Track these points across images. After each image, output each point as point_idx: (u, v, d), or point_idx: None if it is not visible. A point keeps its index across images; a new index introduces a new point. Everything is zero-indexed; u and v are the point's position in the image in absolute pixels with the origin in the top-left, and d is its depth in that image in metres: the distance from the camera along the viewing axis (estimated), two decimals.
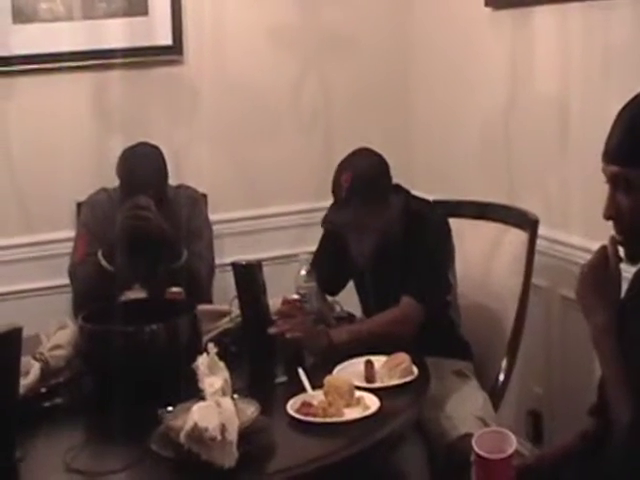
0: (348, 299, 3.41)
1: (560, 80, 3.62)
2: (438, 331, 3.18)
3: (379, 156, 3.18)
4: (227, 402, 2.29)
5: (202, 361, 2.41)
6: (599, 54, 3.40)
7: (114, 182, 3.63)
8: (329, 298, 3.31)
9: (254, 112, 4.36)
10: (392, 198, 3.18)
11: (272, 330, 2.92)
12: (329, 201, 3.36)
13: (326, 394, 2.57)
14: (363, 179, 3.09)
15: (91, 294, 3.42)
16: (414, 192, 3.33)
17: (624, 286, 2.27)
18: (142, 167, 3.53)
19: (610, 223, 2.23)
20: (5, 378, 2.35)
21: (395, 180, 3.24)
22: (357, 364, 2.80)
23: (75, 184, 3.98)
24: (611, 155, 2.19)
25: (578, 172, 3.51)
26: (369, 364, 2.77)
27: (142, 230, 3.38)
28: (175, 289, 3.15)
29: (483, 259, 3.55)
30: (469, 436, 2.40)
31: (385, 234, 3.16)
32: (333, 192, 3.14)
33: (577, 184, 3.54)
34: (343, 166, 3.14)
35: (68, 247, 3.70)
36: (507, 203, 3.64)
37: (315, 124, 4.44)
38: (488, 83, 4.06)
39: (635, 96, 2.21)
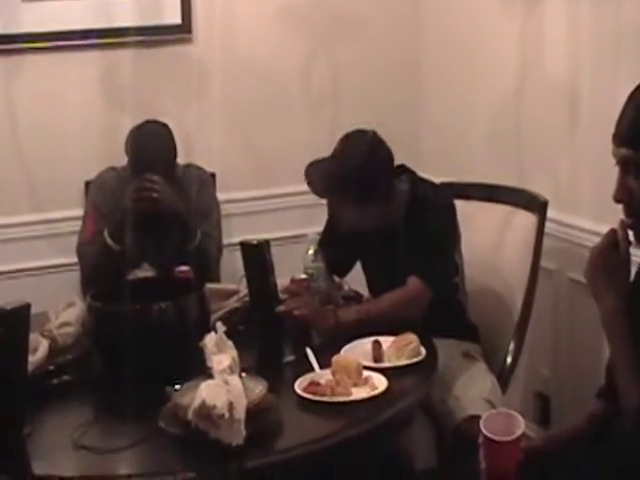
0: (355, 279, 3.41)
1: (570, 63, 3.61)
2: (446, 314, 3.18)
3: (370, 151, 3.12)
4: (235, 380, 2.30)
5: (210, 339, 2.41)
6: (609, 38, 3.39)
7: (123, 161, 3.63)
8: (336, 278, 3.31)
9: (263, 92, 4.35)
10: (386, 191, 3.16)
11: (280, 308, 2.93)
12: None
13: (334, 373, 2.58)
14: (340, 173, 3.08)
15: (99, 273, 3.43)
16: (423, 174, 3.33)
17: (633, 269, 2.27)
18: (151, 144, 3.53)
19: (620, 206, 2.22)
20: (13, 355, 2.37)
21: (404, 162, 3.23)
22: (365, 344, 2.80)
23: (84, 163, 3.98)
24: (621, 138, 2.18)
25: (588, 155, 3.50)
26: (377, 344, 2.77)
27: (150, 207, 3.39)
28: (183, 268, 3.15)
29: (492, 242, 3.54)
30: (476, 418, 2.40)
31: (393, 208, 3.15)
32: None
33: (587, 167, 3.53)
34: (332, 153, 3.16)
35: (77, 225, 3.71)
36: (516, 185, 3.63)
37: (324, 105, 4.43)
38: (498, 66, 4.05)
39: None
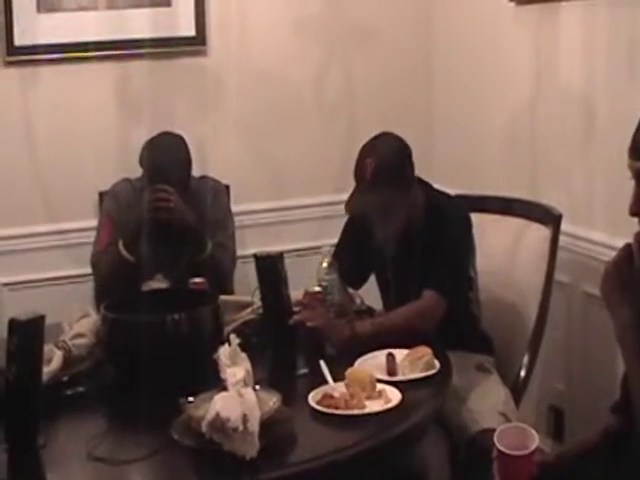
0: (369, 293, 3.40)
1: (585, 75, 3.60)
2: (460, 327, 3.18)
3: (402, 141, 3.18)
4: (249, 392, 2.29)
5: (224, 351, 2.41)
6: (625, 50, 3.38)
7: (137, 172, 3.64)
8: (350, 290, 3.31)
9: (277, 103, 4.35)
10: (415, 187, 3.18)
11: (292, 320, 2.93)
12: None
13: (348, 386, 2.58)
14: (387, 163, 3.09)
15: (113, 284, 3.42)
16: (436, 186, 3.33)
17: None
18: (166, 156, 3.53)
19: (635, 220, 2.21)
20: (28, 366, 2.37)
21: (417, 174, 3.23)
22: (379, 357, 2.80)
23: (98, 174, 3.99)
24: (637, 151, 2.18)
25: (602, 168, 3.50)
26: (391, 357, 2.77)
27: (165, 218, 3.39)
28: (197, 279, 3.15)
29: (506, 254, 3.54)
30: (490, 431, 2.40)
31: (409, 220, 3.15)
32: (356, 176, 3.13)
33: (601, 180, 3.53)
34: (366, 150, 3.14)
35: (91, 236, 3.71)
36: (530, 198, 3.63)
37: (338, 116, 4.44)
38: (512, 78, 4.05)
39: None
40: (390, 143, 3.17)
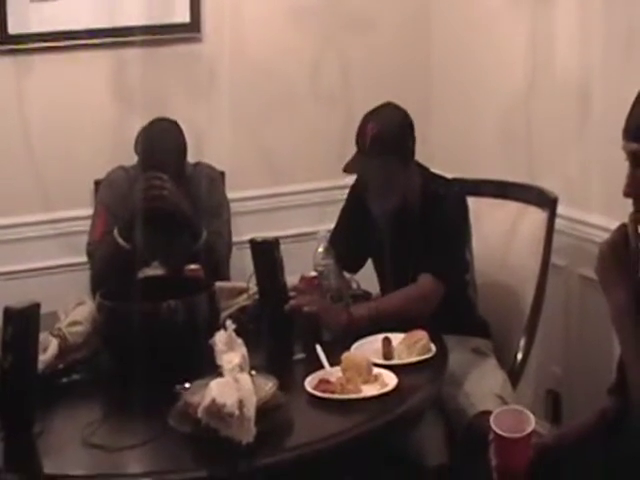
0: (365, 278, 3.40)
1: (581, 59, 3.60)
2: (456, 311, 3.18)
3: (404, 111, 3.18)
4: (245, 378, 2.30)
5: (220, 337, 2.41)
6: (620, 35, 3.38)
7: (132, 160, 3.63)
8: (347, 275, 3.31)
9: (273, 90, 4.34)
10: (413, 165, 3.17)
11: (289, 305, 2.92)
12: (347, 180, 3.36)
13: (344, 371, 2.58)
14: (388, 130, 3.09)
15: (109, 272, 3.42)
16: (433, 170, 3.32)
17: None
18: (161, 142, 3.52)
19: (630, 201, 2.21)
20: (24, 354, 2.37)
21: (415, 158, 3.23)
22: (375, 341, 2.80)
23: (93, 162, 3.97)
24: (632, 132, 2.17)
25: (598, 151, 3.49)
26: (387, 341, 2.77)
27: (159, 205, 3.38)
28: (193, 266, 3.15)
29: (502, 238, 3.54)
30: (487, 413, 2.40)
31: (405, 201, 3.14)
32: (357, 141, 3.13)
33: (597, 163, 3.52)
34: (369, 116, 3.15)
35: (86, 225, 3.70)
36: (526, 182, 3.63)
37: (334, 103, 4.42)
38: (509, 63, 4.04)
39: None
40: (393, 112, 3.18)
